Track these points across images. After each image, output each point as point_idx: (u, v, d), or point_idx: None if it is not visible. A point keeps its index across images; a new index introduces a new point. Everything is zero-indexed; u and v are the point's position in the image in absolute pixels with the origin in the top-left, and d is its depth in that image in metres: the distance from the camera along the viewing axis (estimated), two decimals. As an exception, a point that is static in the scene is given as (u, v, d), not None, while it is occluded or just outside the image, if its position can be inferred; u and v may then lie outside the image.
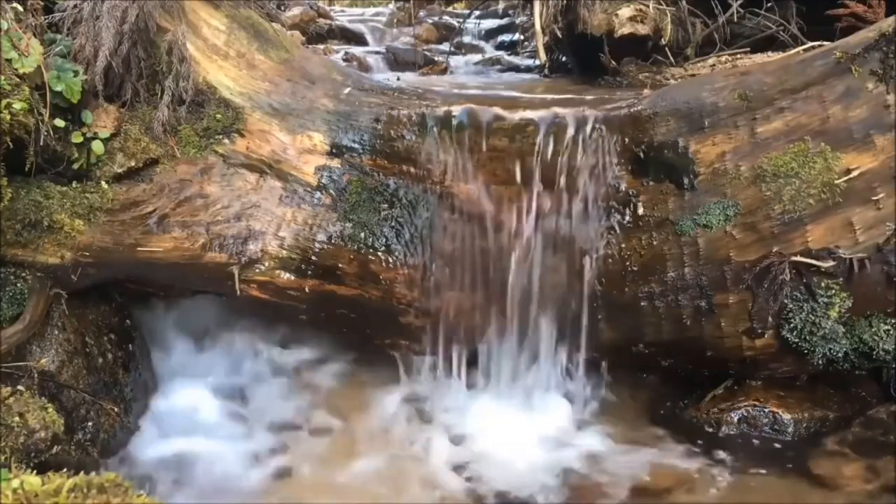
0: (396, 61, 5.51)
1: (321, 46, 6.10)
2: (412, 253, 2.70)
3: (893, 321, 2.45)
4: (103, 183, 2.57)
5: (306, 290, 2.72)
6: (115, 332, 2.74)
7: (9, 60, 2.29)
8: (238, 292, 2.69)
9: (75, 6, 2.57)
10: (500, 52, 5.68)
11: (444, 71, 5.02)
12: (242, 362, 3.12)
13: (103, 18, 2.52)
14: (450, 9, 7.80)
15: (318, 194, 2.74)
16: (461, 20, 6.55)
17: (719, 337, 2.59)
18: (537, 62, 4.44)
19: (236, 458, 2.62)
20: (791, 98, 2.52)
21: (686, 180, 2.58)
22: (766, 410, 2.68)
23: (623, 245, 2.63)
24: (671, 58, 3.79)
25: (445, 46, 5.81)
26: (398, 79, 3.81)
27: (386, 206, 2.73)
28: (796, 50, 3.03)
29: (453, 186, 2.71)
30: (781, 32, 3.87)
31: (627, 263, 2.62)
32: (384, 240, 2.70)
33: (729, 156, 2.54)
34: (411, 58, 5.47)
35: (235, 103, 2.72)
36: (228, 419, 2.83)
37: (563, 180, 2.65)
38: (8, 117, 2.24)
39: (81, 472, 1.34)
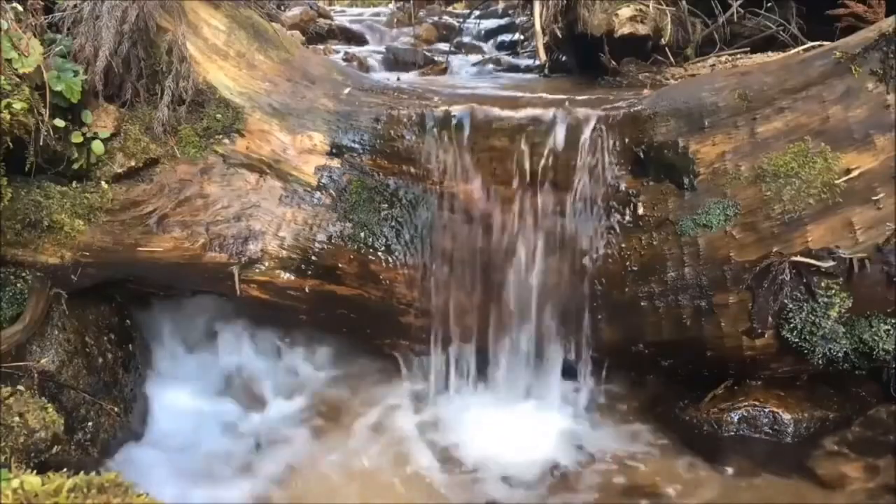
0: (396, 61, 5.50)
1: (321, 46, 6.09)
2: (412, 253, 2.70)
3: (893, 321, 2.45)
4: (103, 183, 2.58)
5: (306, 290, 2.72)
6: (115, 332, 2.74)
7: (9, 60, 2.29)
8: (238, 292, 2.69)
9: (75, 6, 2.57)
10: (500, 52, 5.67)
11: (443, 71, 5.02)
12: (242, 362, 3.12)
13: (103, 18, 2.52)
14: (450, 9, 7.79)
15: (318, 194, 2.75)
16: (461, 20, 6.55)
17: (719, 337, 2.59)
18: (537, 62, 4.43)
19: (234, 457, 2.63)
20: (791, 98, 2.51)
21: (686, 180, 2.58)
22: (766, 410, 2.68)
23: (623, 245, 2.63)
24: (671, 58, 3.78)
25: (445, 46, 5.81)
26: (398, 79, 3.81)
27: (386, 206, 2.73)
28: (796, 50, 3.02)
29: (453, 186, 2.71)
30: (781, 32, 3.86)
31: (627, 263, 2.62)
32: (384, 240, 2.70)
33: (729, 156, 2.54)
34: (411, 58, 5.47)
35: (235, 103, 2.72)
36: (227, 419, 2.84)
37: (563, 180, 2.65)
38: (8, 117, 2.24)
39: (81, 472, 1.34)
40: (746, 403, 2.70)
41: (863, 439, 2.65)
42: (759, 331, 2.53)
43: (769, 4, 3.92)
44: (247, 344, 3.16)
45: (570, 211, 2.66)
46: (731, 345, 2.59)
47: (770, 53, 3.59)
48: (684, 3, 3.85)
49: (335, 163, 2.77)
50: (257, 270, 2.69)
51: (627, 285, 2.63)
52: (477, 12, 6.50)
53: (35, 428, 2.17)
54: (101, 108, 2.60)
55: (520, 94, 3.12)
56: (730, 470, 2.55)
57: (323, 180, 2.75)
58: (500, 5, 6.97)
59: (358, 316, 2.79)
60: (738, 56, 3.69)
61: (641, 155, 2.63)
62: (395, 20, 7.28)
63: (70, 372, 2.49)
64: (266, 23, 2.98)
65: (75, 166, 2.56)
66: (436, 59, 5.44)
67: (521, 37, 5.75)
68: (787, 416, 2.67)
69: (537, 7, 4.10)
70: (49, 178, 2.54)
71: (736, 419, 2.69)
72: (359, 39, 6.80)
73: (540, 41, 4.17)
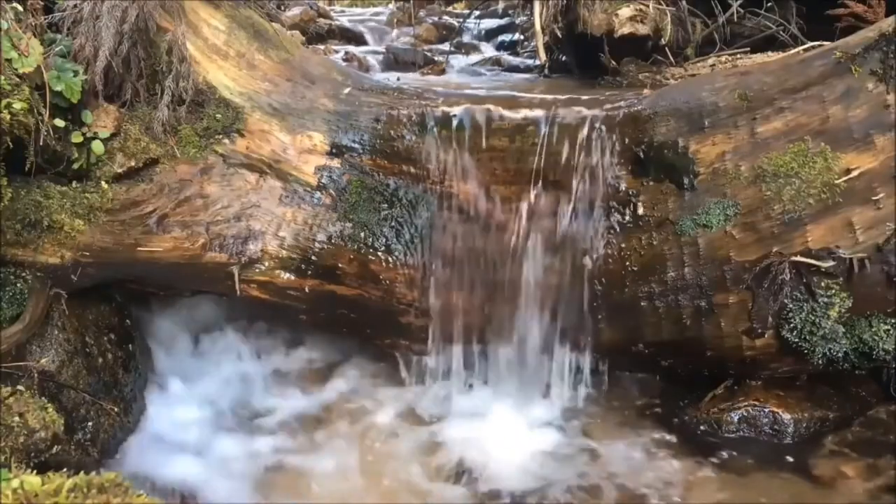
0: (396, 61, 5.50)
1: (321, 46, 6.08)
2: (412, 253, 2.70)
3: (893, 321, 2.45)
4: (103, 183, 2.58)
5: (306, 290, 2.72)
6: (115, 332, 2.74)
7: (9, 60, 2.29)
8: (238, 292, 2.69)
9: (75, 6, 2.57)
10: (500, 52, 5.66)
11: (443, 71, 5.01)
12: (242, 362, 3.12)
13: (103, 18, 2.52)
14: (450, 9, 7.79)
15: (318, 194, 2.75)
16: (461, 20, 6.54)
17: (719, 337, 2.59)
18: (537, 62, 4.43)
19: (232, 458, 2.63)
20: (791, 98, 2.51)
21: (686, 180, 2.58)
22: (766, 410, 2.68)
23: (623, 245, 2.63)
24: (671, 58, 3.78)
25: (445, 46, 5.80)
26: (398, 79, 3.80)
27: (386, 205, 2.73)
28: (796, 50, 3.02)
29: (453, 186, 2.71)
30: (781, 32, 3.86)
31: (627, 263, 2.62)
32: (384, 240, 2.70)
33: (729, 156, 2.54)
34: (411, 58, 5.47)
35: (235, 103, 2.72)
36: (227, 419, 2.84)
37: (562, 180, 2.65)
38: (8, 117, 2.24)
39: (81, 472, 1.34)
40: (746, 403, 2.70)
41: (863, 439, 2.66)
42: (759, 331, 2.53)
43: (769, 4, 3.92)
44: (247, 346, 3.17)
45: (569, 211, 2.66)
46: (731, 345, 2.59)
47: (770, 53, 3.59)
48: (684, 3, 3.84)
49: (335, 163, 2.77)
50: (257, 270, 2.69)
51: (627, 285, 2.63)
52: (477, 12, 6.50)
53: (35, 428, 2.17)
54: (101, 108, 2.60)
55: (520, 94, 3.12)
56: (730, 470, 2.55)
57: (323, 180, 2.75)
58: (500, 5, 6.97)
59: (358, 316, 2.80)
60: (738, 56, 3.69)
61: (641, 155, 2.63)
62: (395, 20, 7.28)
63: (70, 372, 2.49)
64: (266, 23, 2.98)
65: (75, 166, 2.56)
66: (436, 59, 5.44)
67: (521, 37, 5.76)
68: (787, 416, 2.67)
69: (537, 7, 4.10)
70: (49, 178, 2.54)
71: (736, 419, 2.69)
72: (359, 39, 6.80)
73: (540, 41, 4.16)
